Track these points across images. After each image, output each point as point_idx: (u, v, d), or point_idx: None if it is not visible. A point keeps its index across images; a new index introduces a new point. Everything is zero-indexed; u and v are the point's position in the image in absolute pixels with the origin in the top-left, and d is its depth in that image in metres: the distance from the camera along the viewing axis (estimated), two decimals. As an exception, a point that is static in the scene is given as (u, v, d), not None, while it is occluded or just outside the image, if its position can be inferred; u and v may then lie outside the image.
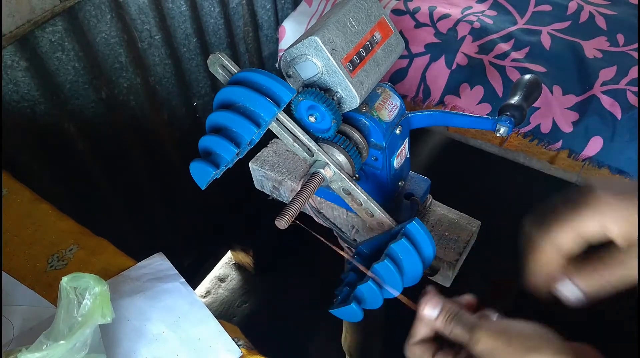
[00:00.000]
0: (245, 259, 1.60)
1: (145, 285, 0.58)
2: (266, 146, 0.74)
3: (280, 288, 1.59)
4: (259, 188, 0.75)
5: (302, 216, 0.58)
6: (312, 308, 1.19)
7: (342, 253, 0.58)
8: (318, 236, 0.57)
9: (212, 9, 1.10)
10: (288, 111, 0.53)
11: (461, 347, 0.42)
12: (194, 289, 0.59)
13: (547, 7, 1.12)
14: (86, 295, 0.46)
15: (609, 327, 1.34)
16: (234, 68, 0.50)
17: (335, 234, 0.67)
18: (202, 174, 0.47)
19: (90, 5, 0.87)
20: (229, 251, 1.64)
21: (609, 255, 0.39)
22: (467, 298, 0.46)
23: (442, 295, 0.45)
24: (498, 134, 0.55)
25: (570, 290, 0.41)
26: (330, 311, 0.56)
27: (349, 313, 0.54)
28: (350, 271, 0.58)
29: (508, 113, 0.55)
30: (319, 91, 0.51)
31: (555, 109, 0.96)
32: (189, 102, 1.16)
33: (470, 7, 1.14)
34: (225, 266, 1.66)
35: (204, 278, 1.61)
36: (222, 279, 1.62)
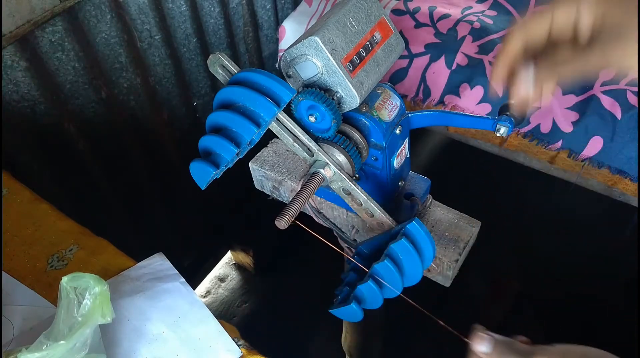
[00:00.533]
0: (245, 259, 1.60)
1: (145, 285, 0.58)
2: (266, 146, 0.74)
3: (280, 288, 1.59)
4: (259, 188, 0.75)
5: (302, 216, 0.58)
6: (312, 308, 1.19)
7: (342, 252, 0.58)
8: (318, 236, 0.57)
9: (212, 9, 1.10)
10: (288, 111, 0.53)
11: None
12: (194, 289, 0.59)
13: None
14: (86, 295, 0.46)
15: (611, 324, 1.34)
16: (234, 68, 0.50)
17: (335, 234, 0.67)
18: (202, 175, 0.47)
19: (90, 5, 0.87)
20: (229, 251, 1.64)
21: (575, 48, 0.40)
22: (521, 338, 0.46)
23: (491, 331, 0.46)
24: (498, 134, 0.55)
25: (528, 81, 0.42)
26: (330, 311, 0.56)
27: (349, 313, 0.54)
28: (350, 271, 0.58)
29: (508, 113, 0.55)
30: (319, 91, 0.51)
31: (555, 109, 0.96)
32: (189, 102, 1.16)
33: (470, 7, 1.14)
34: (225, 266, 1.66)
35: (204, 278, 1.61)
36: (222, 279, 1.62)
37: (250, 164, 0.72)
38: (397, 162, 0.60)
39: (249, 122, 0.46)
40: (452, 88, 1.04)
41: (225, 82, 0.50)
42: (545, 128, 0.96)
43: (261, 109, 0.46)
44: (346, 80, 0.51)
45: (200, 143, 0.48)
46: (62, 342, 0.44)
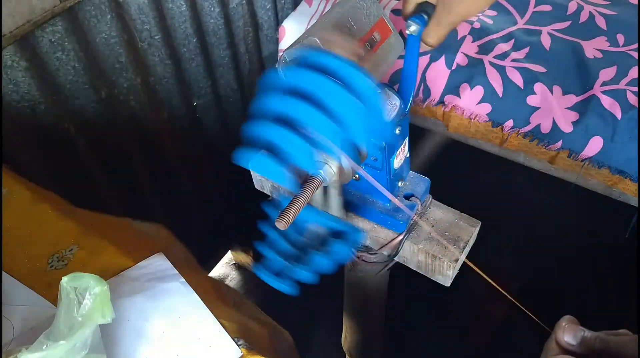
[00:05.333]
0: (245, 259, 1.60)
1: (145, 285, 0.58)
2: (266, 146, 0.73)
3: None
4: (259, 188, 0.75)
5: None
6: (312, 308, 1.19)
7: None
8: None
9: (212, 9, 1.10)
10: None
11: None
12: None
13: (547, 7, 1.12)
14: (86, 295, 0.46)
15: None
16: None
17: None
18: (264, 169, 0.46)
19: (90, 5, 0.87)
20: (229, 251, 1.64)
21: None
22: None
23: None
24: (408, 32, 0.52)
25: None
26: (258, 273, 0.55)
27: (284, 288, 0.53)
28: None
29: (423, 12, 0.54)
30: (319, 91, 0.51)
31: (555, 109, 0.96)
32: (189, 102, 1.16)
33: (470, 7, 1.14)
34: (225, 266, 1.66)
35: (204, 278, 1.61)
36: (222, 279, 1.62)
37: (250, 164, 0.72)
38: (396, 162, 0.60)
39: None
40: (452, 88, 1.03)
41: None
42: (545, 128, 0.96)
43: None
44: (346, 80, 0.51)
45: (254, 134, 0.46)
46: (62, 342, 0.44)
